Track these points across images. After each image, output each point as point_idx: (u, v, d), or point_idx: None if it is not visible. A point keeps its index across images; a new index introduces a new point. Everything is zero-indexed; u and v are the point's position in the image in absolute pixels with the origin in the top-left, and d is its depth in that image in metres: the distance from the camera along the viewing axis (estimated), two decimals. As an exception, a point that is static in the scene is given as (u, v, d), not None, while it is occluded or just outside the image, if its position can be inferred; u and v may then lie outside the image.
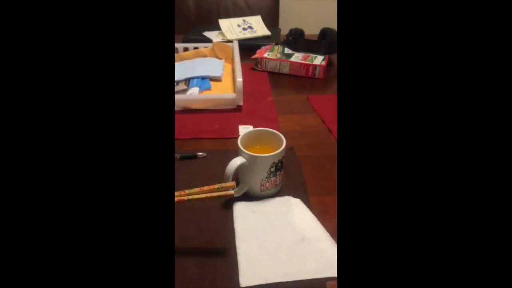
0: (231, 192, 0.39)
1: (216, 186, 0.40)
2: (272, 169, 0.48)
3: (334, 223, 0.46)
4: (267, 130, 0.52)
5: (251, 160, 0.47)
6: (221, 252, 0.42)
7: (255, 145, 0.52)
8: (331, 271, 0.39)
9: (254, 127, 0.66)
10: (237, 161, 0.47)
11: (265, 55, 0.91)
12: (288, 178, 0.54)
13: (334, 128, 0.67)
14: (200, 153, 0.59)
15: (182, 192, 0.40)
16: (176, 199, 0.39)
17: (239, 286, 0.38)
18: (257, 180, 0.49)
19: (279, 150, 0.47)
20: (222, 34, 1.10)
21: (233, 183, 0.40)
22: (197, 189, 0.40)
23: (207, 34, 1.11)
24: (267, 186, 0.49)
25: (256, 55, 0.92)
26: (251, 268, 0.40)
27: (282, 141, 0.49)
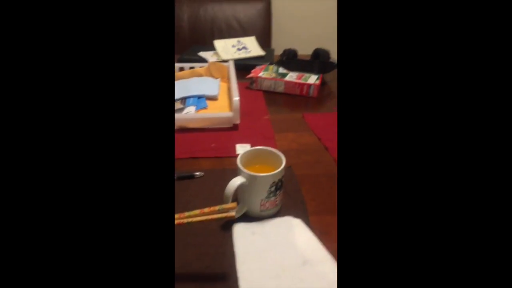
0: (232, 213, 0.39)
1: (217, 207, 0.39)
2: (272, 189, 0.47)
3: (335, 244, 0.45)
4: (266, 149, 0.52)
5: (251, 179, 0.47)
6: (221, 277, 0.41)
7: (254, 164, 0.52)
8: (336, 294, 0.38)
9: (251, 145, 0.66)
10: (236, 181, 0.46)
11: (260, 74, 0.93)
12: (288, 198, 0.53)
13: (330, 146, 0.67)
14: (198, 173, 0.58)
15: (182, 215, 0.39)
16: (175, 222, 0.38)
17: (241, 313, 0.36)
18: (257, 200, 0.48)
19: (279, 169, 0.47)
20: (217, 54, 1.11)
21: (234, 204, 0.39)
22: (197, 211, 0.39)
23: (202, 54, 1.13)
24: (267, 206, 0.48)
25: (251, 74, 0.93)
26: (253, 293, 0.38)
27: (281, 160, 0.49)
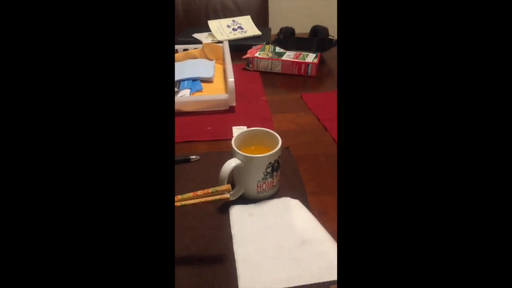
0: (227, 195, 0.38)
1: (210, 190, 0.38)
2: (269, 170, 0.46)
3: (334, 223, 0.45)
4: (261, 130, 0.50)
5: (246, 161, 0.45)
6: (218, 259, 0.40)
7: (249, 145, 0.50)
8: (334, 274, 0.37)
9: (248, 127, 0.65)
10: (231, 163, 0.45)
11: (256, 54, 0.90)
12: (285, 179, 0.52)
13: (329, 126, 0.66)
14: (193, 156, 0.57)
15: (175, 198, 0.38)
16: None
17: (238, 294, 0.36)
18: (254, 181, 0.47)
19: (275, 150, 0.45)
20: (212, 35, 1.08)
21: (228, 186, 0.38)
22: (190, 194, 0.38)
23: (197, 35, 1.10)
24: (264, 187, 0.47)
25: (247, 55, 0.90)
26: (250, 274, 0.38)
27: (277, 140, 0.47)
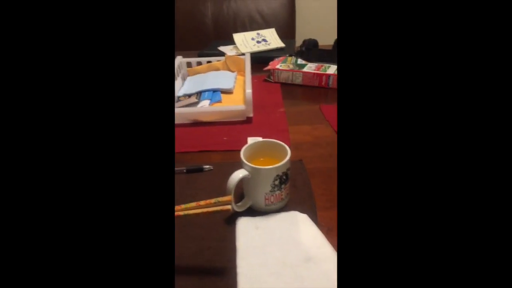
0: (228, 207, 0.37)
1: (213, 200, 0.38)
2: (276, 182, 0.45)
3: (344, 241, 0.42)
4: (271, 141, 0.50)
5: (254, 172, 0.45)
6: (220, 272, 0.40)
7: (260, 157, 0.50)
8: (338, 295, 0.35)
9: (263, 139, 0.65)
10: (239, 174, 0.45)
11: (278, 66, 0.90)
12: (296, 192, 0.51)
13: (347, 138, 0.63)
14: (207, 166, 0.58)
15: (178, 207, 0.39)
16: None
17: (236, 309, 0.35)
18: (261, 194, 0.46)
19: (283, 162, 0.45)
20: (236, 48, 1.11)
21: (229, 197, 0.38)
22: (193, 204, 0.39)
23: (222, 48, 1.13)
24: (272, 200, 0.47)
25: (269, 67, 0.91)
26: (250, 289, 0.37)
27: (286, 152, 0.47)
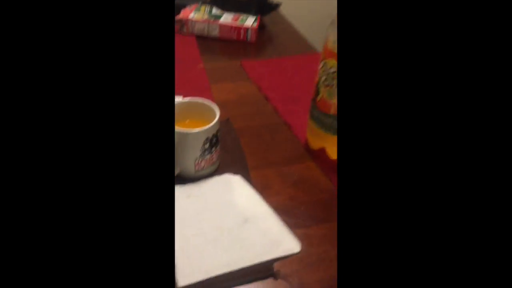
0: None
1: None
2: (207, 146, 0.42)
3: (277, 198, 0.43)
4: (197, 101, 0.45)
5: (181, 137, 0.40)
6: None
7: (184, 119, 0.45)
8: (278, 251, 0.36)
9: (184, 97, 0.58)
10: (163, 140, 0.39)
11: (191, 16, 0.81)
12: (226, 153, 0.49)
13: (271, 95, 0.63)
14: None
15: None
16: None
17: (177, 286, 0.33)
18: (191, 159, 0.42)
19: (212, 123, 0.41)
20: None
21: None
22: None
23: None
24: (202, 165, 0.43)
25: (181, 16, 0.81)
26: (189, 262, 0.34)
27: (214, 112, 0.43)
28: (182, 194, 0.42)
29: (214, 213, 0.40)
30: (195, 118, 0.45)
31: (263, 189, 0.44)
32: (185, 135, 0.40)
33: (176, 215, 0.39)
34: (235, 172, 0.46)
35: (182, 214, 0.39)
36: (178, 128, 0.40)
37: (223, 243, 0.37)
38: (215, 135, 0.42)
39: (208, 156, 0.43)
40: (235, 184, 0.44)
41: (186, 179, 0.44)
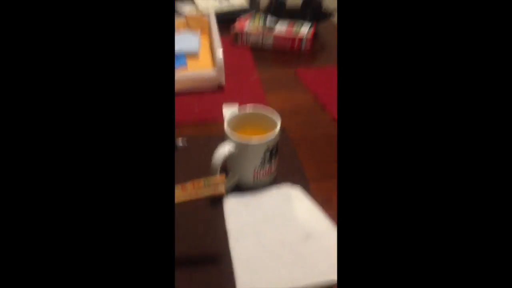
0: (222, 190, 0.32)
1: (201, 181, 0.33)
2: (267, 156, 0.41)
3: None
4: (257, 109, 0.45)
5: (242, 147, 0.40)
6: (212, 259, 0.36)
7: (243, 127, 0.45)
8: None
9: (239, 105, 0.59)
10: (225, 150, 0.40)
11: (246, 27, 0.82)
12: (283, 164, 0.47)
13: (328, 104, 0.60)
14: (181, 143, 0.51)
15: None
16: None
17: (238, 297, 0.32)
18: (250, 169, 0.42)
19: (274, 132, 0.40)
20: (195, 7, 0.99)
21: (222, 178, 0.33)
22: (178, 187, 0.33)
23: (178, 7, 1.00)
24: (261, 175, 0.43)
25: (236, 29, 0.83)
26: (249, 274, 0.33)
27: (275, 121, 0.42)
28: (241, 204, 0.41)
29: (273, 225, 0.39)
30: (254, 127, 0.45)
31: (324, 202, 0.42)
32: (245, 145, 0.40)
33: (235, 225, 0.39)
34: (293, 183, 0.44)
35: (241, 224, 0.39)
36: (239, 138, 0.40)
37: (284, 258, 0.35)
38: (275, 145, 0.42)
39: (267, 166, 0.42)
40: (295, 196, 0.42)
41: (244, 189, 0.43)
